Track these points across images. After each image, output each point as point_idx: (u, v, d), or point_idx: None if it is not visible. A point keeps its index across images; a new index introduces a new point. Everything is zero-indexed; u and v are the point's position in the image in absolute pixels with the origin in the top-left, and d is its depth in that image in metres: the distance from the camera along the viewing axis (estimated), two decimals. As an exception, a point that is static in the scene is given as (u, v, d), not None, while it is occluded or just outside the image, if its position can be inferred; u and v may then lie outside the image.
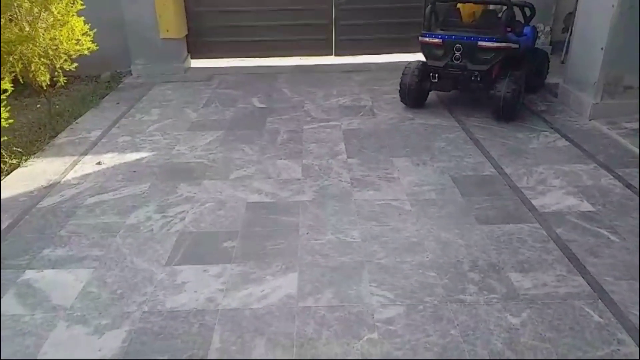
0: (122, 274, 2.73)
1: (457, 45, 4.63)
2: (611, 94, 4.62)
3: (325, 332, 2.32)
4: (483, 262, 2.78)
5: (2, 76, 3.97)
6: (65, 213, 3.33)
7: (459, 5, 4.99)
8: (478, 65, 4.61)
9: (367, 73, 6.42)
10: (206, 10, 6.61)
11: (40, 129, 4.69)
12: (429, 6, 4.90)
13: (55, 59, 4.74)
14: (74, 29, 4.76)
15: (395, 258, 2.82)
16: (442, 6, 5.05)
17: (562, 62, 6.08)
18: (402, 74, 5.02)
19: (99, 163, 4.04)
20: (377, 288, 2.59)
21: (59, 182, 3.75)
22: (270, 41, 6.80)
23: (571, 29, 5.45)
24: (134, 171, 3.90)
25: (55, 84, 5.06)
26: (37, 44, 4.55)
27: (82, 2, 4.83)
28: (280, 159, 4.08)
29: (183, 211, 3.33)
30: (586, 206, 3.31)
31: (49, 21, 4.62)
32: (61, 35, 4.68)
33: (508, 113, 4.61)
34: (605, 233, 3.02)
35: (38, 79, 4.73)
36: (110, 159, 4.11)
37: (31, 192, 3.61)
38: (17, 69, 4.49)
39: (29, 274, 2.74)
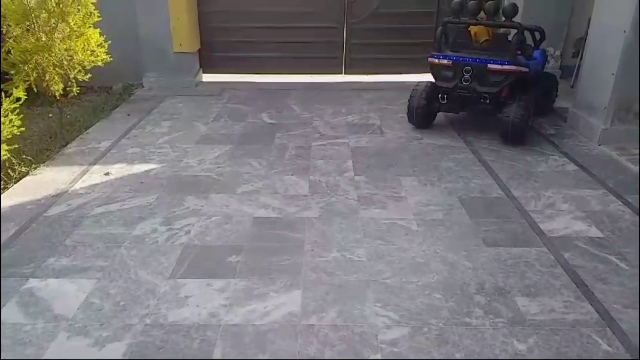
0: (125, 286, 2.72)
1: (467, 67, 4.64)
2: (621, 120, 4.60)
3: (328, 352, 2.29)
4: (490, 285, 2.74)
5: (16, 84, 4.02)
6: (71, 222, 3.34)
7: (470, 27, 5.00)
8: (487, 88, 4.60)
9: (377, 92, 6.45)
10: (219, 26, 6.71)
11: (51, 138, 4.74)
12: (440, 27, 4.93)
13: (70, 70, 4.81)
14: (90, 41, 4.84)
15: (401, 278, 2.79)
16: (453, 28, 5.07)
17: (572, 87, 6.08)
18: (411, 94, 5.03)
19: (107, 173, 4.06)
20: (382, 308, 2.56)
21: (67, 191, 3.77)
22: (281, 58, 6.87)
23: (582, 54, 5.47)
24: (142, 182, 3.92)
25: (68, 94, 5.12)
26: (53, 54, 4.63)
27: (98, 15, 4.92)
28: (288, 174, 4.08)
29: (189, 224, 3.33)
30: (595, 232, 3.27)
31: (65, 32, 4.70)
32: (76, 46, 4.76)
33: (516, 137, 4.60)
34: (614, 260, 2.98)
35: (52, 89, 4.80)
36: (118, 170, 4.13)
37: (39, 200, 3.63)
38: (32, 78, 4.56)
39: (33, 283, 2.74)
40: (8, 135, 3.70)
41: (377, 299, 2.63)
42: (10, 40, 4.58)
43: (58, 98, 4.93)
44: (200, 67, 6.86)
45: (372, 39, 6.80)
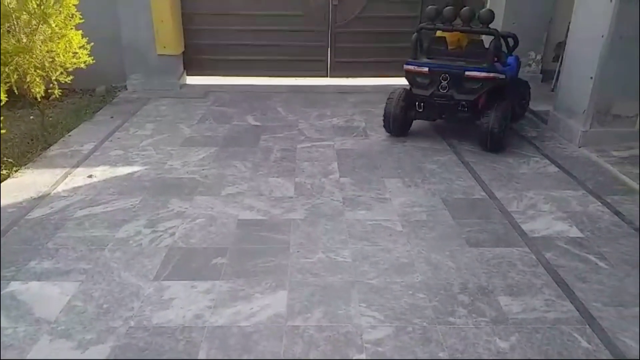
0: (108, 288, 2.70)
1: (444, 74, 4.56)
2: (600, 122, 4.70)
3: (313, 352, 2.29)
4: (473, 284, 2.78)
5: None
6: (54, 225, 3.30)
7: (445, 33, 4.95)
8: (465, 95, 4.53)
9: (362, 95, 6.48)
10: (204, 29, 6.69)
11: (32, 140, 4.67)
12: (415, 34, 4.81)
13: (51, 71, 4.75)
14: (72, 42, 4.78)
15: (385, 278, 2.81)
16: (428, 34, 5.01)
17: (553, 90, 6.18)
18: (387, 102, 4.92)
19: (90, 176, 4.02)
20: (367, 308, 2.57)
21: (49, 193, 3.72)
22: (266, 61, 6.88)
23: (561, 58, 5.57)
24: (126, 185, 3.89)
25: (50, 96, 5.05)
26: (34, 55, 4.56)
27: (80, 16, 4.87)
28: (273, 176, 4.09)
29: (173, 226, 3.31)
30: (575, 232, 3.33)
31: (46, 33, 4.64)
32: (58, 48, 4.70)
33: (495, 144, 4.57)
34: (594, 259, 3.04)
35: (33, 91, 4.73)
36: (102, 172, 4.10)
37: (20, 203, 3.58)
38: (12, 80, 4.49)
39: (14, 286, 2.70)
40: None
41: (361, 299, 2.64)
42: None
43: (39, 100, 4.86)
44: (185, 69, 6.82)
45: (357, 43, 6.84)
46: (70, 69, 4.87)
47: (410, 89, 4.83)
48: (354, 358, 2.26)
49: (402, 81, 5.77)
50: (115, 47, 6.19)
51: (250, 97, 6.31)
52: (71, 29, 4.80)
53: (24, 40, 4.55)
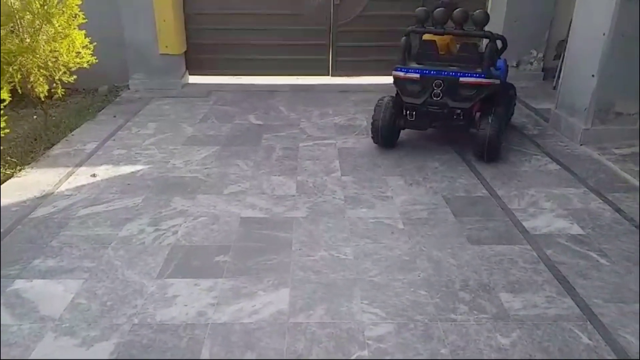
0: (112, 286, 2.72)
1: (437, 81, 4.25)
2: (602, 120, 4.70)
3: (315, 349, 2.31)
4: (474, 281, 2.79)
5: (1, 86, 3.99)
6: (57, 224, 3.32)
7: (435, 37, 4.60)
8: (460, 103, 4.24)
9: (363, 94, 6.49)
10: (206, 28, 6.70)
11: (35, 139, 4.70)
12: (404, 37, 4.48)
13: (55, 71, 4.78)
14: (75, 42, 4.81)
15: (387, 276, 2.83)
16: (417, 37, 4.71)
17: (554, 88, 6.19)
18: (374, 110, 4.56)
19: (93, 175, 4.04)
20: (369, 305, 2.59)
21: (53, 192, 3.75)
22: (268, 60, 6.89)
23: (563, 56, 5.57)
24: (128, 184, 3.91)
25: (53, 96, 5.08)
26: (37, 55, 4.59)
27: (83, 16, 4.90)
28: (275, 175, 4.10)
29: (176, 225, 3.33)
30: (576, 229, 3.34)
31: (50, 33, 4.67)
32: (61, 48, 4.73)
33: (492, 153, 4.30)
34: (595, 256, 3.05)
35: (36, 90, 4.76)
36: (104, 172, 4.12)
37: (24, 202, 3.60)
38: (16, 80, 4.52)
39: (19, 284, 2.72)
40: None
41: (363, 296, 2.66)
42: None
43: (43, 100, 4.90)
44: (187, 69, 6.84)
45: (359, 42, 6.84)
46: (73, 69, 4.90)
47: (399, 96, 4.49)
48: (356, 354, 2.28)
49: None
50: (118, 47, 6.21)
51: (252, 96, 6.33)
52: (74, 29, 4.83)
53: (28, 40, 4.59)
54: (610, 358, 2.28)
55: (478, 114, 4.37)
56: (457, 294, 2.69)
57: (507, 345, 2.34)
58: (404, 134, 5.06)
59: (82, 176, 4.03)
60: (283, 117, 5.57)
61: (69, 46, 4.79)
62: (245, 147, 4.67)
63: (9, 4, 4.51)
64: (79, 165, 4.24)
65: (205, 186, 3.89)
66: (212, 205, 3.59)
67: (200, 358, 2.25)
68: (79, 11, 4.87)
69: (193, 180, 3.99)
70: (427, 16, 4.41)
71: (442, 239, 3.21)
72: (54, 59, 4.74)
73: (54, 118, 5.29)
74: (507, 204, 3.67)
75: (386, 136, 4.56)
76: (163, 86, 6.38)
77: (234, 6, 6.64)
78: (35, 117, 5.32)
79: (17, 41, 4.53)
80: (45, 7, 4.58)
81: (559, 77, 5.85)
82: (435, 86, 4.27)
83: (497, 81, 4.35)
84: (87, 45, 4.94)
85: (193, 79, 6.92)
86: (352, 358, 2.26)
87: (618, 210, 3.58)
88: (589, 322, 2.50)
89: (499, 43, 4.62)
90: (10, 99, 3.94)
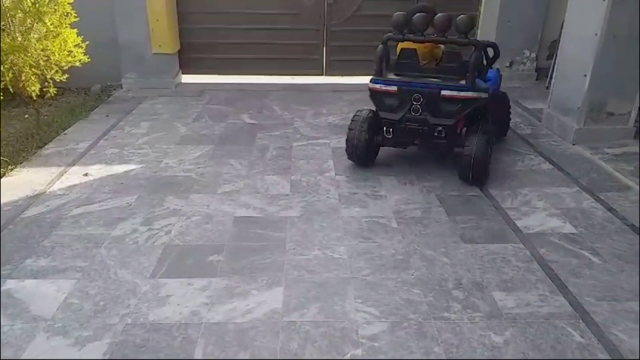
0: (105, 286, 2.70)
1: (417, 94, 3.83)
2: (594, 120, 4.73)
3: (309, 348, 2.31)
4: (467, 280, 2.80)
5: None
6: (49, 223, 3.30)
7: (415, 44, 4.11)
8: (442, 119, 3.82)
9: (357, 93, 6.48)
10: (199, 27, 6.68)
11: (27, 139, 4.66)
12: (380, 46, 4.04)
13: (46, 70, 4.75)
14: (67, 41, 4.79)
15: (380, 275, 2.83)
16: (396, 46, 4.25)
17: (547, 88, 6.22)
18: (350, 125, 4.14)
19: (86, 174, 4.02)
20: (363, 304, 2.59)
21: (45, 192, 3.72)
22: (262, 59, 6.88)
23: (556, 56, 5.60)
24: (121, 183, 3.89)
25: (45, 95, 5.05)
26: (29, 54, 4.56)
27: (75, 15, 4.87)
28: (269, 174, 4.10)
29: (169, 224, 3.32)
30: (569, 228, 3.36)
31: (41, 32, 4.64)
32: (53, 46, 4.70)
33: (479, 174, 3.84)
34: (587, 254, 3.07)
35: (28, 89, 4.73)
36: (97, 171, 4.09)
37: (16, 201, 3.57)
38: (7, 79, 4.49)
39: (10, 284, 2.70)
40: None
41: (357, 295, 2.66)
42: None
43: (34, 99, 4.86)
44: (180, 68, 6.82)
45: (352, 41, 6.85)
46: (65, 68, 4.87)
47: (377, 111, 4.09)
48: (350, 353, 2.28)
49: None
50: (111, 46, 6.18)
51: (246, 95, 6.32)
52: (66, 27, 4.81)
53: (19, 39, 4.55)
54: (603, 356, 2.30)
55: (465, 130, 4.01)
56: (451, 292, 2.70)
57: (501, 344, 2.35)
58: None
59: (75, 175, 4.00)
60: (277, 117, 5.56)
61: (61, 45, 4.76)
62: (238, 147, 4.66)
63: (0, 2, 4.48)
64: (72, 164, 4.21)
65: (199, 185, 3.88)
66: (205, 205, 3.58)
67: (194, 358, 2.24)
68: (71, 9, 4.85)
69: (186, 179, 3.97)
70: (405, 22, 3.97)
71: (435, 238, 3.21)
72: (45, 58, 4.71)
73: (45, 117, 5.25)
74: (500, 203, 3.68)
75: (362, 155, 4.13)
76: (156, 85, 6.35)
77: (228, 5, 6.62)
78: (26, 116, 5.28)
79: (8, 40, 4.50)
80: (37, 5, 4.55)
81: (551, 77, 5.88)
82: (414, 100, 3.86)
83: (485, 94, 3.90)
84: (79, 44, 4.92)
85: (186, 79, 6.90)
86: (346, 357, 2.26)
87: (610, 209, 3.61)
88: (581, 320, 2.51)
89: (490, 51, 4.31)
90: (1, 98, 3.91)
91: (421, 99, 3.83)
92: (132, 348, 2.29)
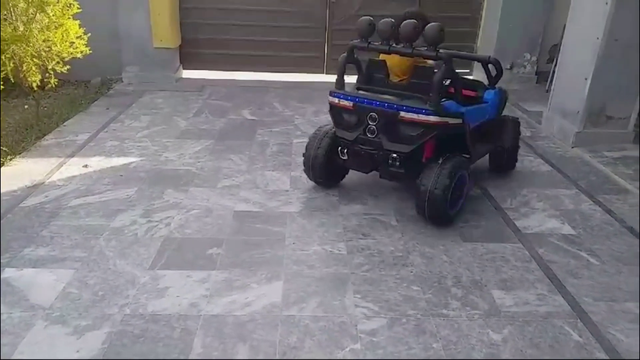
0: (104, 276, 2.70)
1: (372, 113, 3.27)
2: (593, 123, 4.75)
3: (308, 342, 2.31)
4: (466, 278, 2.81)
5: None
6: (48, 213, 3.29)
7: (385, 56, 3.67)
8: (398, 145, 3.23)
9: (358, 92, 6.49)
10: (201, 23, 6.68)
11: (27, 129, 4.65)
12: (343, 55, 3.54)
13: (48, 61, 4.73)
14: (69, 32, 4.77)
15: (380, 271, 2.83)
16: (364, 56, 3.70)
17: (547, 91, 6.24)
18: (308, 140, 3.71)
19: (85, 166, 4.01)
20: (362, 300, 2.59)
21: (44, 182, 3.71)
22: (263, 56, 6.88)
23: (556, 60, 5.61)
24: (121, 175, 3.88)
25: (45, 86, 5.03)
26: (31, 44, 4.54)
27: (78, 6, 4.85)
28: (269, 170, 4.10)
29: (169, 217, 3.31)
30: (567, 229, 3.37)
31: (43, 22, 4.62)
32: (55, 37, 4.68)
33: (435, 213, 3.22)
34: (585, 255, 3.08)
35: (29, 80, 4.71)
36: (97, 163, 4.08)
37: (14, 191, 3.56)
38: (8, 69, 4.47)
39: (9, 272, 2.69)
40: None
41: (356, 290, 2.66)
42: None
43: (35, 89, 4.85)
44: (181, 63, 6.81)
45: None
46: (66, 59, 4.85)
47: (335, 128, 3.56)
48: (348, 347, 2.28)
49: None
50: (112, 39, 6.17)
51: (246, 91, 6.31)
52: (69, 18, 4.79)
53: (21, 29, 4.53)
54: (600, 355, 2.31)
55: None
56: (450, 290, 2.71)
57: (499, 341, 2.36)
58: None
59: (74, 167, 3.99)
60: (277, 113, 5.56)
61: (63, 36, 4.74)
62: (239, 142, 4.66)
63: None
64: (71, 155, 4.20)
65: (199, 179, 3.87)
66: (205, 199, 3.57)
67: (192, 348, 2.24)
68: (74, 0, 4.83)
69: (186, 173, 3.97)
70: (371, 29, 3.47)
71: (434, 236, 3.22)
72: (47, 49, 4.69)
73: (45, 108, 5.23)
74: (499, 203, 3.69)
75: (322, 174, 3.67)
76: (157, 79, 6.33)
77: (230, 1, 6.62)
78: (26, 106, 5.26)
79: (10, 29, 4.48)
80: (40, -4, 4.53)
81: (552, 80, 5.89)
82: (369, 120, 3.29)
83: (456, 120, 3.28)
84: (81, 35, 4.90)
85: (187, 74, 6.88)
86: (345, 351, 2.26)
87: (609, 211, 3.62)
88: (579, 320, 2.52)
89: (491, 68, 3.85)
90: (2, 88, 3.89)
91: (377, 119, 3.27)
92: (131, 338, 2.28)
